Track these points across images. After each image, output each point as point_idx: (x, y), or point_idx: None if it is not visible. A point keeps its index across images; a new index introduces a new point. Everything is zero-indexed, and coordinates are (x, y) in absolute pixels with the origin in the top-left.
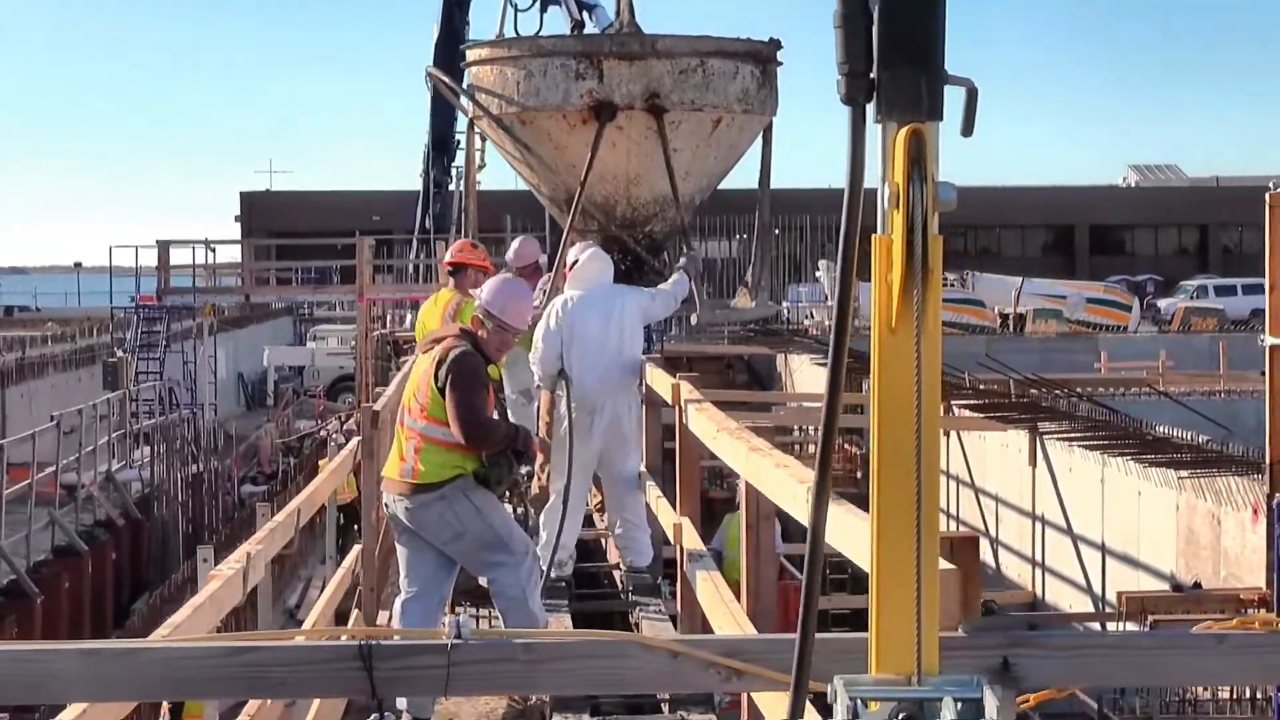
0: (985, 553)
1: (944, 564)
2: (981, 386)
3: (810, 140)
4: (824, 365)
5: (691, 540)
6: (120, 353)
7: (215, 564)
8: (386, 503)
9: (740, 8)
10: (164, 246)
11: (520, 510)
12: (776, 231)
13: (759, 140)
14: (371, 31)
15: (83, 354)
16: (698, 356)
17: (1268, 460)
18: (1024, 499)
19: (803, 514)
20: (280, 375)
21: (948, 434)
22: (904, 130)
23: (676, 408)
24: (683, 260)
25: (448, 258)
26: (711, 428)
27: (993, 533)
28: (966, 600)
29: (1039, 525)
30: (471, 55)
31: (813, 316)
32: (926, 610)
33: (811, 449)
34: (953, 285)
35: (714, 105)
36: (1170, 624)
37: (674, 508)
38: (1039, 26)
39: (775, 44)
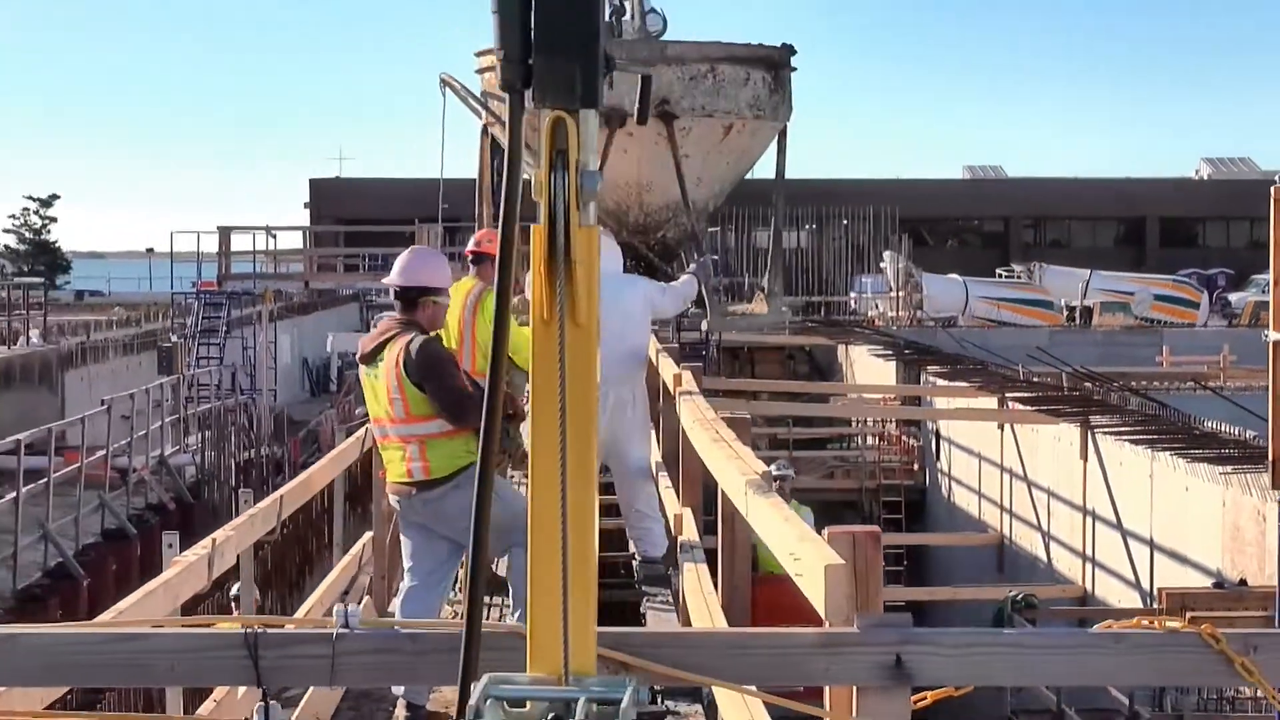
0: (1037, 547)
1: (831, 558)
2: (1035, 379)
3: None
4: (885, 356)
5: (690, 531)
6: (175, 338)
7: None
8: (396, 503)
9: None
10: (225, 232)
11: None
12: (845, 222)
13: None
14: (445, 16)
15: (144, 339)
16: (759, 346)
17: (1270, 457)
18: (1075, 493)
19: (743, 505)
20: (344, 361)
21: (1001, 427)
22: (549, 117)
23: (675, 398)
24: (693, 266)
25: (470, 246)
26: (690, 418)
27: (1044, 526)
28: (868, 596)
29: (1089, 519)
30: (482, 61)
31: (877, 307)
32: (575, 609)
33: (871, 440)
34: (1020, 277)
35: (725, 111)
36: (1214, 620)
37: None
38: (1117, 16)
39: (788, 50)
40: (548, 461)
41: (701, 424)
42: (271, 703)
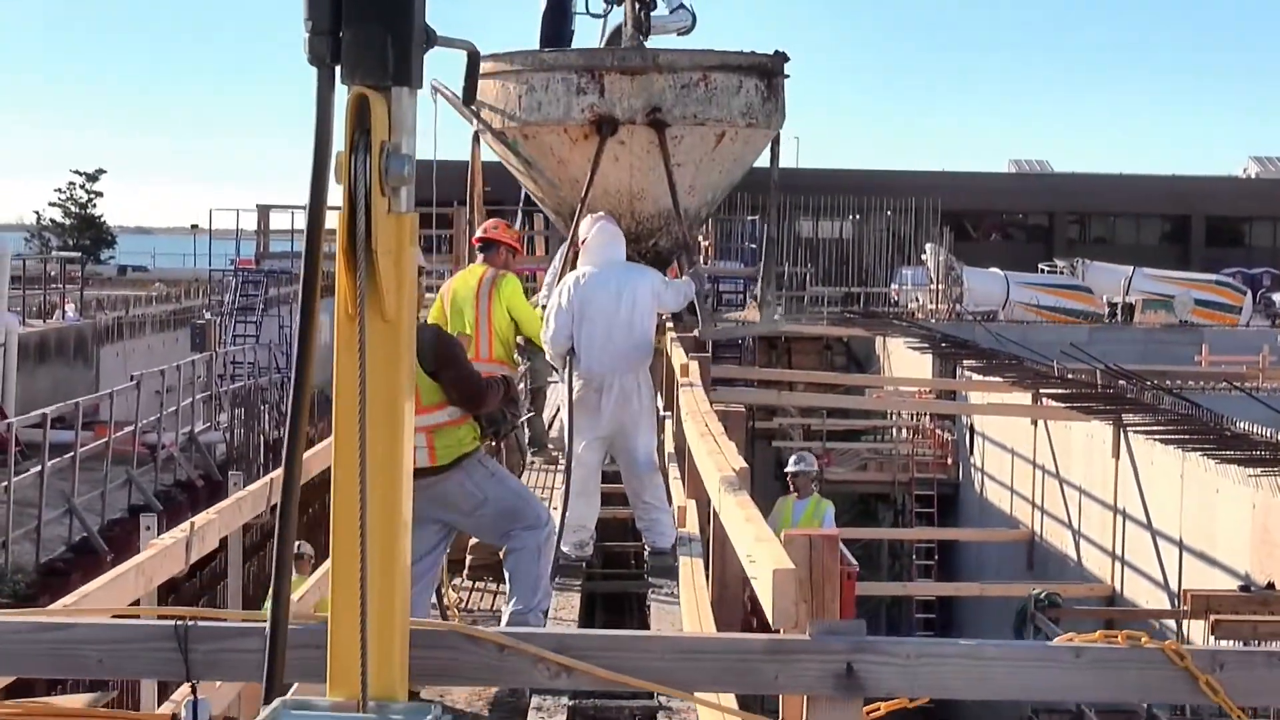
0: (1067, 545)
1: (782, 562)
2: (1070, 376)
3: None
4: (921, 349)
5: (693, 524)
6: (208, 315)
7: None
8: None
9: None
10: (263, 211)
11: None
12: (889, 213)
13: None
14: None
15: (182, 315)
16: (796, 336)
17: None
18: (1106, 491)
19: (716, 499)
20: None
21: (1034, 423)
22: (353, 93)
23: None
24: (687, 275)
25: (478, 233)
26: (685, 410)
27: (1075, 524)
28: (823, 602)
29: (1120, 518)
30: None
31: (917, 300)
32: (380, 626)
33: (904, 433)
34: (1063, 272)
35: (717, 119)
36: (1238, 624)
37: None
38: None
39: (782, 57)
40: (347, 466)
41: (694, 416)
42: (201, 699)
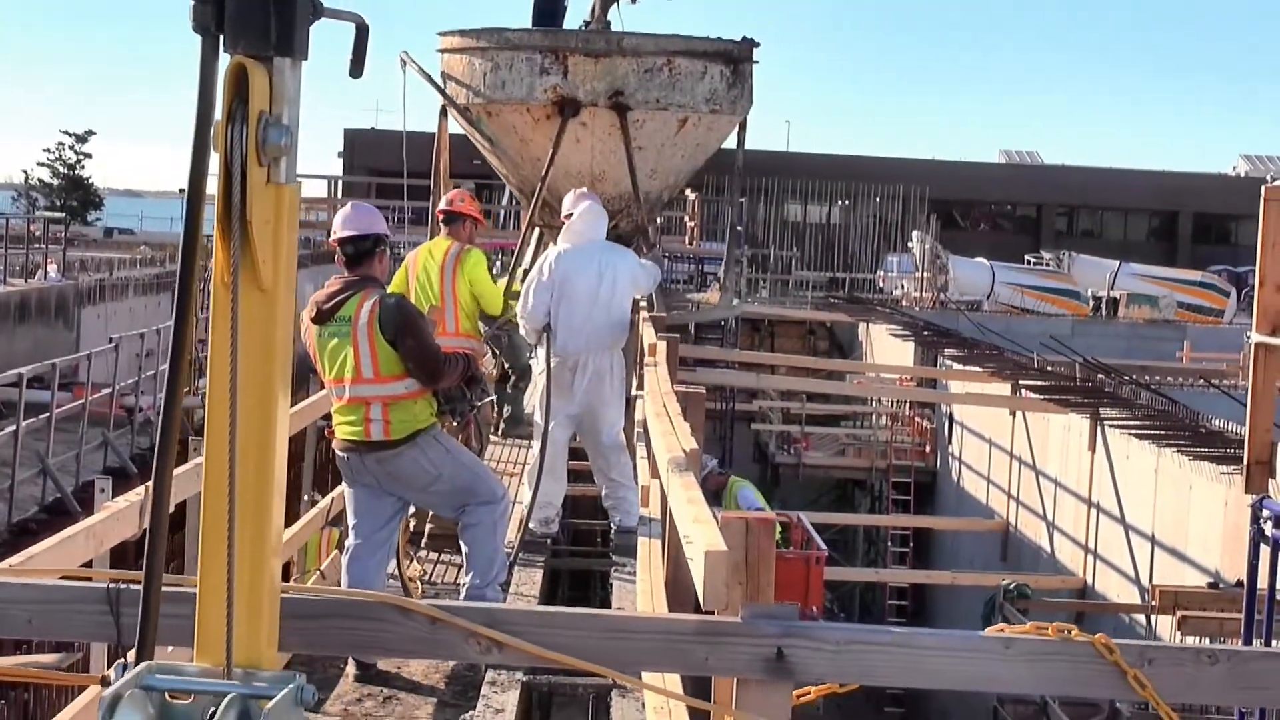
0: (1041, 537)
1: (715, 544)
2: (1049, 368)
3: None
4: (903, 337)
5: (655, 505)
6: None
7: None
8: (347, 460)
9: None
10: None
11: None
12: (878, 199)
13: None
14: None
15: (166, 279)
16: (780, 320)
17: (1245, 461)
18: (1081, 484)
19: (665, 479)
20: None
21: (1013, 414)
22: (231, 64)
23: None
24: (646, 259)
25: (442, 205)
26: (648, 389)
27: (1049, 516)
28: (758, 586)
29: (1094, 511)
30: (443, 42)
31: (903, 288)
32: (250, 594)
33: (884, 420)
34: (1049, 264)
35: (680, 105)
36: (1205, 620)
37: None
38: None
39: (750, 43)
40: (217, 433)
41: (654, 396)
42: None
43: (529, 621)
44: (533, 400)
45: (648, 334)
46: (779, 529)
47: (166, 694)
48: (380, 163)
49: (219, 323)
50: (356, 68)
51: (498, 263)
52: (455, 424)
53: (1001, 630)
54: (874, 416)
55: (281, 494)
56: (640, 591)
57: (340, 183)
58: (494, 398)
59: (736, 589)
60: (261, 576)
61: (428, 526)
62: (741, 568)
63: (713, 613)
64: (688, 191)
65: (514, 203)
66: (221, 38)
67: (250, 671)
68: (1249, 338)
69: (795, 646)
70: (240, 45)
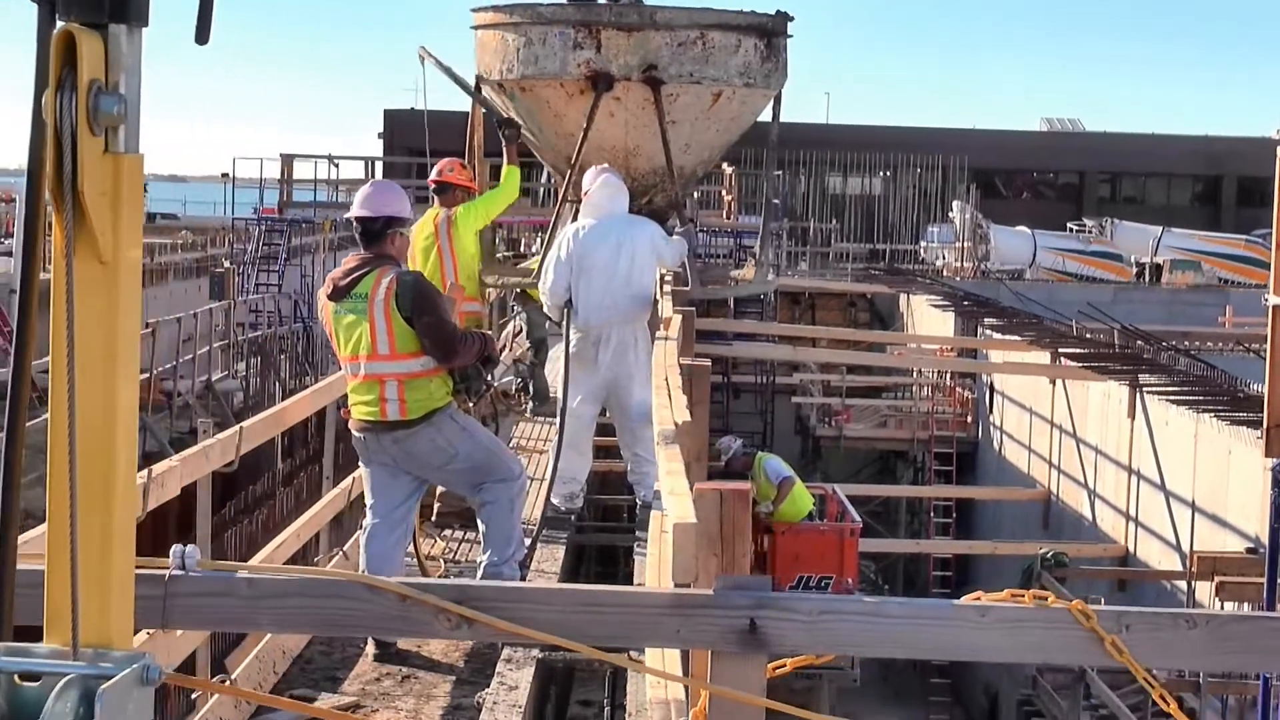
0: (1082, 505)
1: (686, 516)
2: (1088, 336)
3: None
4: (943, 307)
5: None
6: (228, 263)
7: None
8: (363, 440)
9: None
10: (287, 160)
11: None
12: (918, 170)
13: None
14: None
15: (206, 263)
16: (820, 292)
17: (1265, 425)
18: (1121, 452)
19: (661, 451)
20: None
21: (1053, 382)
22: (59, 32)
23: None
24: (678, 234)
25: (433, 175)
26: (656, 361)
27: (1090, 484)
28: (733, 558)
29: (1135, 479)
30: (477, 19)
31: (944, 258)
32: (97, 568)
33: (925, 390)
34: (1091, 231)
35: (713, 79)
36: (1239, 585)
37: None
38: None
39: (784, 17)
40: (59, 411)
41: (658, 369)
42: None
43: (501, 597)
44: (555, 377)
45: (666, 307)
46: (814, 501)
47: (14, 676)
48: (420, 143)
49: (58, 297)
50: (201, 34)
51: (537, 239)
52: (471, 403)
53: (977, 598)
54: (914, 387)
55: (132, 470)
56: (649, 566)
57: (379, 164)
58: (516, 379)
59: (711, 561)
60: (113, 548)
61: (436, 504)
62: (716, 539)
63: (688, 586)
64: (724, 165)
65: (551, 180)
66: (55, 5)
67: (101, 651)
68: (1266, 300)
69: (768, 618)
70: (73, 12)
